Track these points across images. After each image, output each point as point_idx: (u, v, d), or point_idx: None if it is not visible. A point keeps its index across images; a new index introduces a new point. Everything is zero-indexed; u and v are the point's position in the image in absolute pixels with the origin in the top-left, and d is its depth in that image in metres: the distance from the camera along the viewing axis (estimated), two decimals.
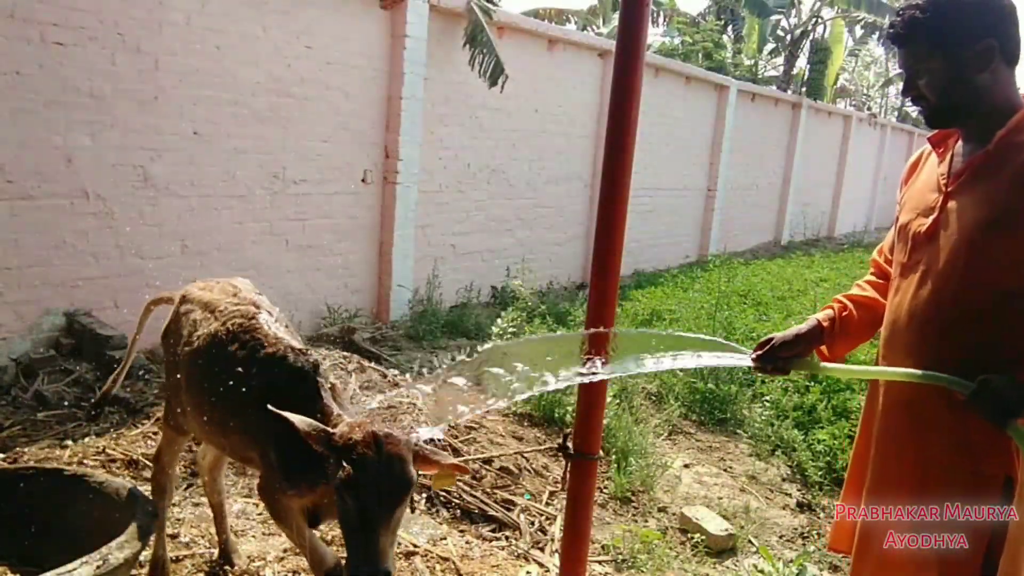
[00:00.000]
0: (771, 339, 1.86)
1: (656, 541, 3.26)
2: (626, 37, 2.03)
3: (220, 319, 2.31)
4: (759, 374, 1.92)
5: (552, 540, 3.23)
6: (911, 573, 1.68)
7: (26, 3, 4.18)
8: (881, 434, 1.77)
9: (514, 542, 3.22)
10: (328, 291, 6.14)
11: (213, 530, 2.86)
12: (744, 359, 1.86)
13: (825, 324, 1.89)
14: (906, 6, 1.66)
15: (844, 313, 1.91)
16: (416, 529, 3.16)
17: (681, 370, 5.18)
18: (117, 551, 1.99)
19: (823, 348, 1.90)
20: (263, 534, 2.99)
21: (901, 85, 1.74)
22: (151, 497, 2.53)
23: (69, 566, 1.88)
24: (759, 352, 1.86)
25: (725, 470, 4.33)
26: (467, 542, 3.16)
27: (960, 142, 1.70)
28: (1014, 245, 1.53)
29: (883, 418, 1.77)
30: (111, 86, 4.58)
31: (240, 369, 2.12)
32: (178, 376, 2.41)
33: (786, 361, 1.84)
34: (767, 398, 5.10)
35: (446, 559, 2.96)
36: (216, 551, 2.81)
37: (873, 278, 1.98)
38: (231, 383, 2.11)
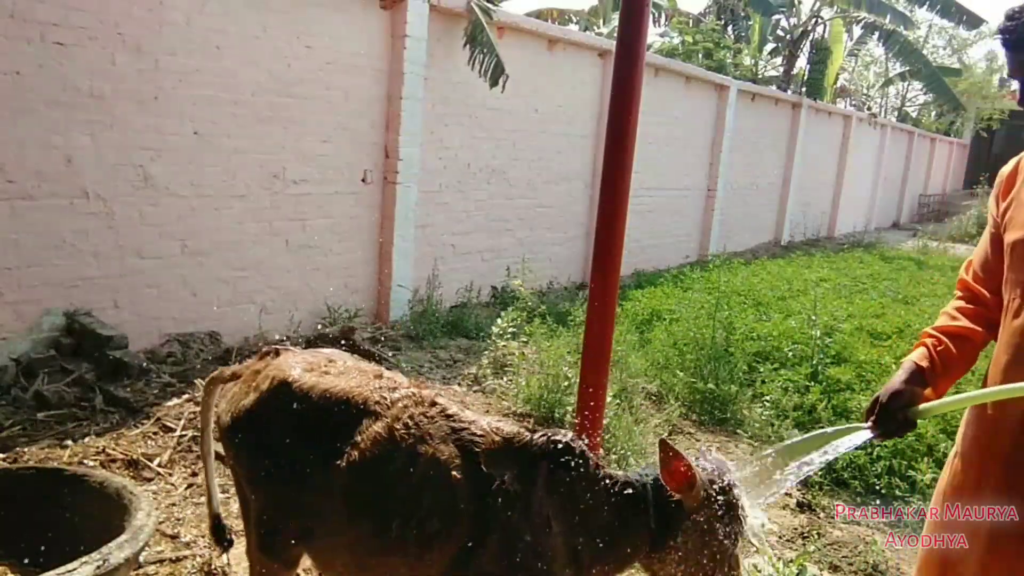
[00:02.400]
0: (876, 400, 1.75)
1: None
2: (626, 37, 2.04)
3: (388, 416, 1.80)
4: (886, 440, 1.90)
5: None
6: None
7: (26, 3, 4.18)
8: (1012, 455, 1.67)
9: None
10: (328, 291, 6.14)
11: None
12: (864, 432, 1.76)
13: (924, 365, 1.77)
14: (1019, 8, 1.58)
15: (939, 348, 1.79)
16: None
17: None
18: (117, 551, 1.99)
19: (926, 391, 1.78)
20: None
21: (1017, 90, 1.66)
22: None
23: (69, 566, 1.88)
24: (873, 418, 1.75)
25: None
26: None
27: None
28: None
29: (1008, 442, 1.67)
30: (111, 86, 4.58)
31: (450, 478, 1.69)
32: (292, 497, 1.86)
33: (906, 413, 1.73)
34: (767, 398, 5.10)
35: None
36: (216, 551, 2.79)
37: (963, 303, 1.86)
38: (434, 502, 1.70)
